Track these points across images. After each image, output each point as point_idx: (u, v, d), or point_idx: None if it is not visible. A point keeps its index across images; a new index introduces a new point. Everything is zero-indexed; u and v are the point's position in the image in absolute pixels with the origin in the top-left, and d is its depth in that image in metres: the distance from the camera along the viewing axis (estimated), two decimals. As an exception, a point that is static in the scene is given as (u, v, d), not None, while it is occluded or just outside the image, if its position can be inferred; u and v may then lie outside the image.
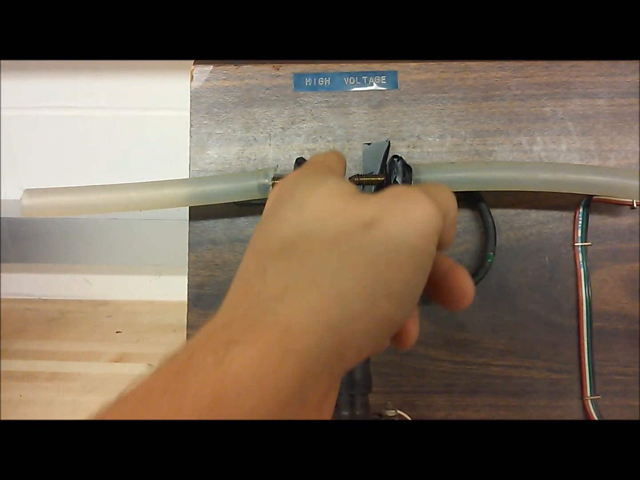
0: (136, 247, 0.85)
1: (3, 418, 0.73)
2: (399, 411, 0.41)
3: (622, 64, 0.46)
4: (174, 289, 0.91)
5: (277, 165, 0.46)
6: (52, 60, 0.59)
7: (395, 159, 0.41)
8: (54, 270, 0.92)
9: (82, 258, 0.86)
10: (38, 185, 0.45)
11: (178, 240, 0.80)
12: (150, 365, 0.81)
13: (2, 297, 0.94)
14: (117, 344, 0.86)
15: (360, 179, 0.44)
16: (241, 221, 0.47)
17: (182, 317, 0.88)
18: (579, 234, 0.46)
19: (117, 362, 0.83)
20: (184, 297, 0.88)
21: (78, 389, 0.77)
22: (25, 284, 0.93)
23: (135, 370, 0.81)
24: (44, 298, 0.94)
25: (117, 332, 0.88)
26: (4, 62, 0.70)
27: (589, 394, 0.45)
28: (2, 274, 0.92)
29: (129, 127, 0.74)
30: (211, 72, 0.47)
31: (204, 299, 0.47)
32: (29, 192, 0.42)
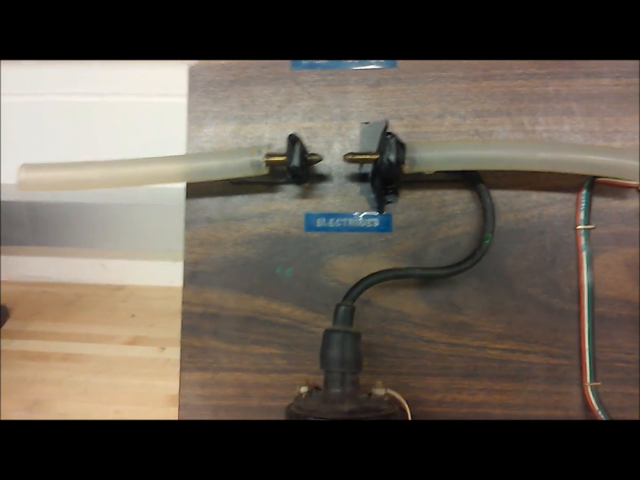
0: (152, 234, 0.86)
1: (18, 395, 0.74)
2: (388, 390, 0.40)
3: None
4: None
5: (271, 143, 0.46)
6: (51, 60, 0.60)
7: (389, 136, 0.41)
8: (71, 254, 0.94)
9: (98, 243, 0.88)
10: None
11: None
12: (162, 348, 0.82)
13: (19, 279, 0.96)
14: (131, 328, 0.87)
15: (355, 157, 0.43)
16: (236, 199, 0.47)
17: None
18: (582, 217, 0.45)
19: (130, 344, 0.84)
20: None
21: (89, 370, 0.79)
22: (43, 268, 0.95)
23: (148, 354, 0.82)
24: (61, 281, 0.95)
25: (131, 315, 0.89)
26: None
27: (588, 380, 0.44)
28: (21, 257, 0.94)
29: (127, 112, 0.75)
30: (209, 49, 0.47)
31: (199, 276, 0.47)
32: (26, 166, 0.43)
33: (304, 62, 0.46)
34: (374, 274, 0.43)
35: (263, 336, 0.46)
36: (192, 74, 0.47)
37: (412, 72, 0.46)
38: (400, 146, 0.41)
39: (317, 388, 0.42)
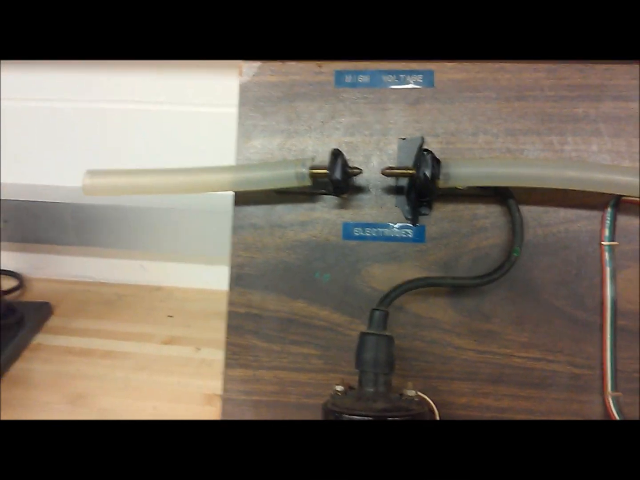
0: (190, 237, 0.89)
1: (61, 389, 0.77)
2: (419, 392, 0.43)
3: (657, 68, 0.47)
4: (224, 278, 0.94)
5: (315, 156, 0.49)
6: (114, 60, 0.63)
7: (425, 152, 0.44)
8: (112, 255, 0.97)
9: (139, 245, 0.91)
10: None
11: (229, 232, 0.84)
12: (198, 349, 0.85)
13: (63, 278, 1.00)
14: (168, 327, 0.90)
15: (393, 171, 0.46)
16: (280, 208, 0.50)
17: (230, 305, 0.92)
18: (607, 233, 0.47)
19: (167, 344, 0.86)
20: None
21: (130, 366, 0.81)
22: (85, 267, 0.98)
23: (184, 353, 0.84)
24: (102, 281, 0.99)
25: (168, 316, 0.92)
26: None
27: (610, 390, 0.46)
28: (64, 257, 0.98)
29: (179, 121, 0.78)
30: (259, 68, 0.50)
31: (244, 279, 0.50)
32: (90, 172, 0.47)
33: (347, 80, 0.49)
34: (408, 281, 0.46)
35: (301, 337, 0.49)
36: (242, 89, 0.50)
37: (448, 92, 0.49)
38: (436, 162, 0.43)
39: (351, 387, 0.45)
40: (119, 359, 0.84)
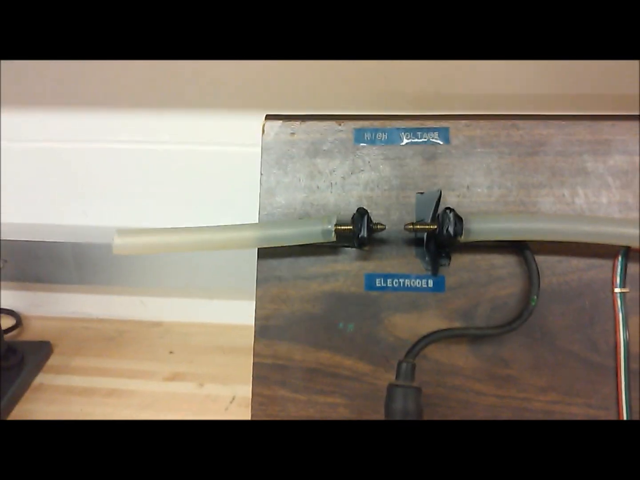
0: (189, 271, 0.90)
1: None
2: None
3: (660, 123, 0.50)
4: (225, 312, 0.95)
5: (339, 212, 0.51)
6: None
7: (448, 211, 0.46)
8: (111, 292, 0.97)
9: (138, 281, 0.91)
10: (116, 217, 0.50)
11: (230, 265, 0.85)
12: (201, 385, 0.85)
13: (63, 315, 0.99)
14: (170, 364, 0.90)
15: (415, 227, 0.48)
16: (303, 260, 0.51)
17: (232, 339, 0.93)
18: (618, 281, 0.49)
19: (170, 380, 0.87)
20: (234, 319, 0.93)
21: (135, 404, 0.82)
22: (85, 304, 0.98)
23: (188, 389, 0.85)
24: (102, 318, 0.99)
25: (170, 352, 0.93)
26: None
27: (625, 430, 0.48)
28: (62, 294, 0.98)
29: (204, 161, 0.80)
30: (280, 126, 0.52)
31: (269, 330, 0.51)
32: (120, 232, 0.48)
33: (366, 137, 0.51)
34: (432, 332, 0.48)
35: (327, 386, 0.51)
36: (265, 147, 0.52)
37: (463, 148, 0.51)
38: (459, 220, 0.46)
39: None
40: (124, 397, 0.84)
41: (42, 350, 0.89)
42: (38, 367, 0.87)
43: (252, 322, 0.53)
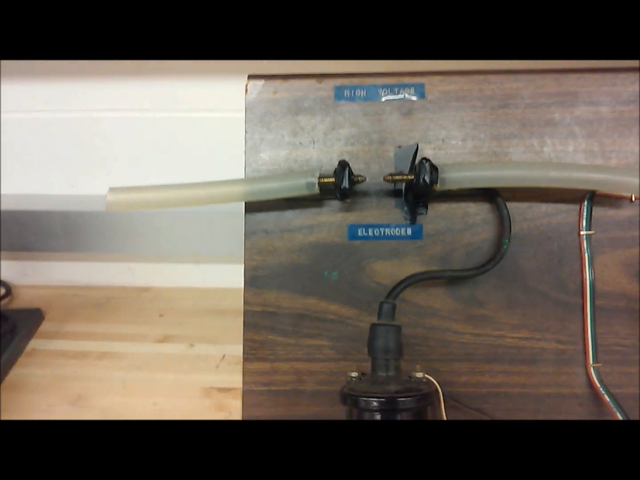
0: (175, 238, 0.92)
1: (61, 392, 0.79)
2: (425, 374, 0.48)
3: (623, 75, 0.53)
4: (211, 276, 0.98)
5: (322, 166, 0.53)
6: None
7: (424, 161, 0.48)
8: (99, 259, 0.99)
9: (125, 247, 0.93)
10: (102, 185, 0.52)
11: (214, 231, 0.87)
12: (192, 345, 0.88)
13: (52, 284, 1.01)
14: (160, 327, 0.92)
15: (394, 177, 0.51)
16: (289, 214, 0.54)
17: (220, 301, 0.96)
18: (584, 224, 0.52)
19: (161, 342, 0.89)
20: (221, 283, 0.96)
21: (127, 366, 0.84)
22: (73, 272, 1.00)
23: (179, 350, 0.87)
24: (91, 285, 1.01)
25: (159, 315, 0.95)
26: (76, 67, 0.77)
27: (591, 362, 0.52)
28: (52, 263, 0.99)
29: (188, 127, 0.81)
30: (263, 85, 0.54)
31: (258, 280, 0.54)
32: (112, 190, 0.50)
33: (346, 94, 0.54)
34: (411, 275, 0.51)
35: (314, 330, 0.54)
36: (249, 106, 0.54)
37: (438, 103, 0.54)
38: (434, 169, 0.48)
39: (364, 374, 0.49)
40: (115, 359, 0.86)
41: (33, 317, 0.91)
42: (30, 334, 0.89)
43: (238, 286, 0.56)
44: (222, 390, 0.77)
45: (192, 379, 0.82)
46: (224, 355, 0.84)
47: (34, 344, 0.89)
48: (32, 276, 1.00)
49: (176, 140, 0.83)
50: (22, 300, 0.98)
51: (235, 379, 0.67)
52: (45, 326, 0.93)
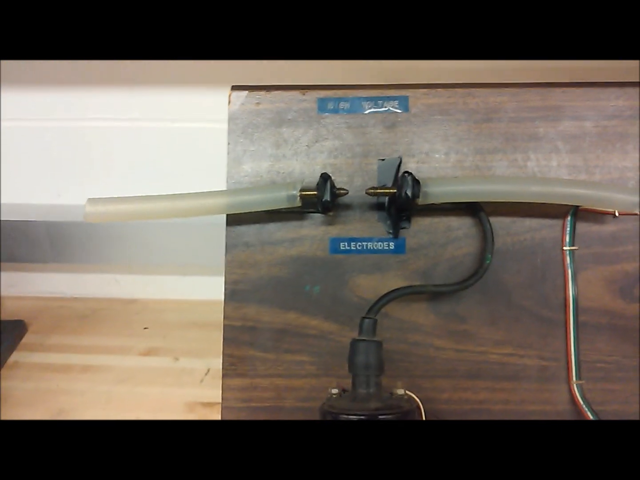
0: (163, 249, 0.91)
1: (43, 405, 0.78)
2: (407, 391, 0.47)
3: (607, 90, 0.53)
4: (198, 288, 0.97)
5: (304, 179, 0.53)
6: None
7: (406, 174, 0.48)
8: (86, 270, 0.97)
9: (112, 259, 0.92)
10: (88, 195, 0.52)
11: (202, 242, 0.87)
12: (176, 359, 0.87)
13: (37, 295, 1.00)
14: (145, 339, 0.91)
15: (376, 191, 0.50)
16: (270, 226, 0.53)
17: (206, 314, 0.95)
18: (567, 239, 0.52)
19: (145, 355, 0.88)
20: (207, 295, 0.95)
21: (111, 380, 0.83)
22: (59, 283, 0.99)
23: (163, 364, 0.86)
24: (76, 296, 0.99)
25: (144, 328, 0.94)
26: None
27: (574, 379, 0.51)
28: (37, 274, 0.98)
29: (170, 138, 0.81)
30: (246, 97, 0.54)
31: (238, 294, 0.53)
32: (91, 200, 0.49)
33: (329, 106, 0.53)
34: (393, 290, 0.50)
35: (295, 345, 0.53)
36: (231, 117, 0.54)
37: (422, 116, 0.53)
38: (416, 182, 0.48)
39: (344, 390, 0.49)
40: (99, 372, 0.84)
41: (16, 329, 0.89)
42: (13, 346, 0.87)
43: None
44: (205, 405, 0.76)
45: (176, 393, 0.81)
46: (208, 370, 0.83)
47: (16, 356, 0.87)
48: (16, 287, 0.98)
49: (159, 150, 0.82)
50: (7, 311, 0.96)
51: (219, 394, 0.66)
52: (28, 338, 0.92)
